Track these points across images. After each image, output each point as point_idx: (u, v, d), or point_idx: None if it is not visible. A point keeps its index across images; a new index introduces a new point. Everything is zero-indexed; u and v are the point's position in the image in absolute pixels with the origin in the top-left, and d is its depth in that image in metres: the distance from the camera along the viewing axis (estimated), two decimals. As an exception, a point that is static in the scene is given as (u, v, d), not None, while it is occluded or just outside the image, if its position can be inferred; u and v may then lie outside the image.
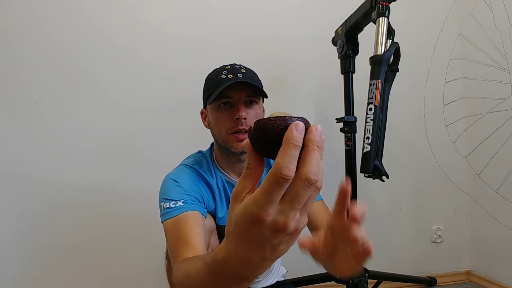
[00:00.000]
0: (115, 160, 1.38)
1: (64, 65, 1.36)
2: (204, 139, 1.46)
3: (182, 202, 0.77)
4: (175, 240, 0.71)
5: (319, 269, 1.33)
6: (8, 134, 1.31)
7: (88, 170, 1.36)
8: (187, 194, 0.80)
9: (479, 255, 1.62)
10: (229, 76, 0.82)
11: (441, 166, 1.67)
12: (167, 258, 0.93)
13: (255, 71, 0.89)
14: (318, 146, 0.28)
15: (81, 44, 1.38)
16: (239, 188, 0.31)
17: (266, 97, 0.87)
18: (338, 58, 1.31)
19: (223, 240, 0.33)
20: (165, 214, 0.77)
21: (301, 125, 0.28)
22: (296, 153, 0.27)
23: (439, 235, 1.65)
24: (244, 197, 0.30)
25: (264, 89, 0.85)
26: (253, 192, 0.29)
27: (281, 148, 0.27)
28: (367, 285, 1.19)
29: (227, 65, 0.87)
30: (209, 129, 0.91)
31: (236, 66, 0.86)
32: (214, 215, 0.90)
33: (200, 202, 0.82)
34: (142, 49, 1.43)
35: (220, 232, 0.92)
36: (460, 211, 1.68)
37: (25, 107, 1.32)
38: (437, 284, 1.57)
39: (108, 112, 1.39)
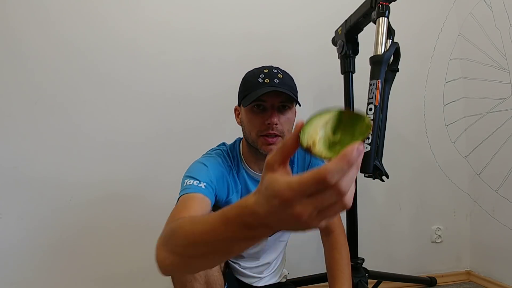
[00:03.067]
0: (115, 160, 1.38)
1: (63, 65, 1.36)
2: (204, 139, 1.46)
3: (204, 185, 0.81)
4: (179, 209, 0.74)
5: (319, 269, 1.32)
6: (8, 134, 1.30)
7: (88, 170, 1.36)
8: (211, 180, 0.84)
9: (479, 255, 1.62)
10: (266, 81, 0.86)
11: (441, 166, 1.67)
12: None
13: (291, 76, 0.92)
14: (357, 167, 0.30)
15: (80, 44, 1.37)
16: (271, 159, 0.34)
17: (300, 105, 0.90)
18: (338, 58, 1.31)
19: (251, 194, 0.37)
20: (185, 189, 0.80)
21: (362, 148, 0.30)
22: (346, 169, 0.29)
23: (439, 235, 1.65)
24: (276, 168, 0.33)
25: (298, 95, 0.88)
26: (283, 165, 0.34)
27: (337, 158, 0.29)
28: (367, 285, 1.19)
29: (265, 68, 0.90)
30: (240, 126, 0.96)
31: (273, 70, 0.89)
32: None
33: (216, 192, 0.86)
34: (143, 47, 1.42)
35: None
36: (460, 211, 1.68)
37: (25, 107, 1.32)
38: (437, 284, 1.57)
39: (108, 111, 1.39)
